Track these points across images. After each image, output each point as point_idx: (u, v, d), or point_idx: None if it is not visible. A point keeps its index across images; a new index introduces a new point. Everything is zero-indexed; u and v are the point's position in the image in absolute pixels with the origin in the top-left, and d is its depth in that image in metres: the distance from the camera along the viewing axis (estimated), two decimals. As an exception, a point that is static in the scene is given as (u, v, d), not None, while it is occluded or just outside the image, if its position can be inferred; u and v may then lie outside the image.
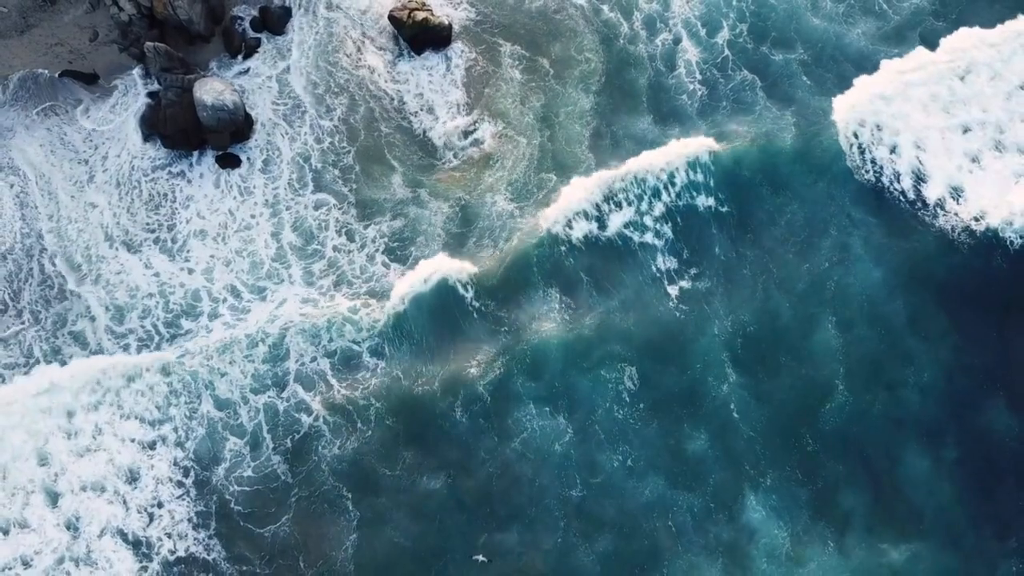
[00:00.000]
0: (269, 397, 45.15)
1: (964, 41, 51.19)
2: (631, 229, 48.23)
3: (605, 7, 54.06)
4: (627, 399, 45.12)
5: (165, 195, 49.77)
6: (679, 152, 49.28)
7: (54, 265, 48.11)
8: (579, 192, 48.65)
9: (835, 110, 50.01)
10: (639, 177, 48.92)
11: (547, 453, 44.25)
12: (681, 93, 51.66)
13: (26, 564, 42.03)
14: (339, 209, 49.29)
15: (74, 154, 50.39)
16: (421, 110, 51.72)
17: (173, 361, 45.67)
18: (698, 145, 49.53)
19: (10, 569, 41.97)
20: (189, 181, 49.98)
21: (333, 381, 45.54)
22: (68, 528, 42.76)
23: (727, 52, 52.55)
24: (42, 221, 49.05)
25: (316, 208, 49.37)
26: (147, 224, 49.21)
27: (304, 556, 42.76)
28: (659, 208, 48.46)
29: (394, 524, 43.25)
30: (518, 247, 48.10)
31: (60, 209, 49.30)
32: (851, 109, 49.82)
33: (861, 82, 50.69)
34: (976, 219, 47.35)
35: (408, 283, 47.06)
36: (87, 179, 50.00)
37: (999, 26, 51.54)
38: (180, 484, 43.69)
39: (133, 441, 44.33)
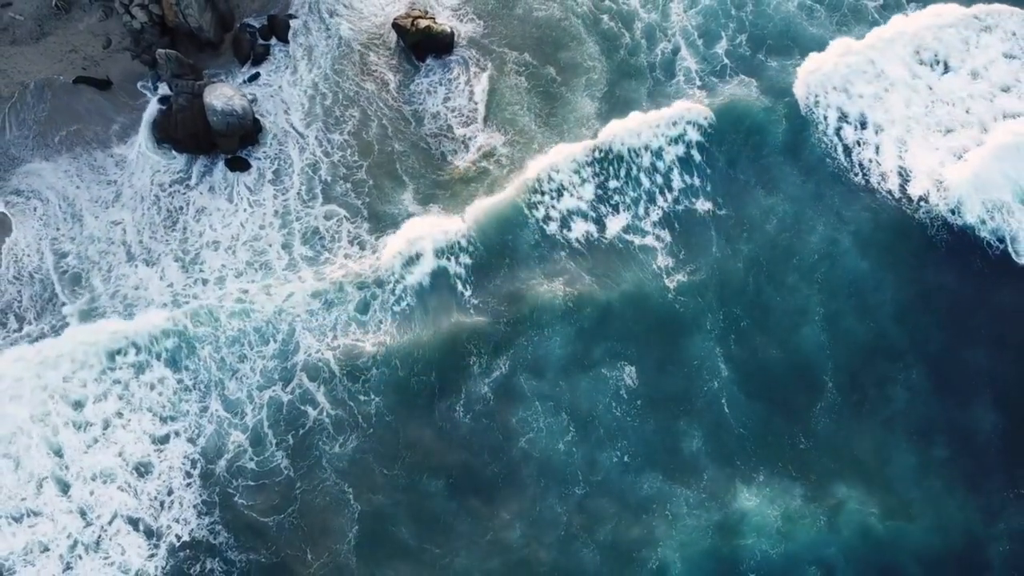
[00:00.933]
0: (274, 392, 45.86)
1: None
2: (630, 233, 49.29)
3: (606, 16, 55.11)
4: (625, 396, 45.94)
5: (181, 208, 50.32)
6: (649, 120, 51.17)
7: (76, 286, 48.54)
8: (551, 158, 50.60)
9: (820, 103, 51.75)
10: (614, 148, 50.69)
11: (549, 449, 44.85)
12: (680, 96, 52.69)
13: (45, 549, 42.94)
14: (351, 222, 49.85)
15: (103, 176, 50.86)
16: (431, 121, 52.49)
17: (175, 339, 46.64)
18: (665, 115, 51.48)
19: (31, 553, 42.90)
20: (201, 193, 50.66)
21: (336, 371, 46.16)
22: (80, 515, 43.55)
23: (726, 60, 53.62)
24: (64, 243, 49.51)
25: (327, 219, 49.90)
26: (165, 238, 49.70)
27: (311, 547, 43.32)
28: (653, 209, 49.66)
29: (396, 519, 43.80)
30: (492, 206, 49.73)
31: (84, 230, 49.71)
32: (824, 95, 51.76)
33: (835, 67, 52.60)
34: (952, 212, 48.56)
35: (396, 247, 48.32)
36: (113, 198, 50.48)
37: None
38: (188, 475, 44.38)
39: (143, 432, 45.07)
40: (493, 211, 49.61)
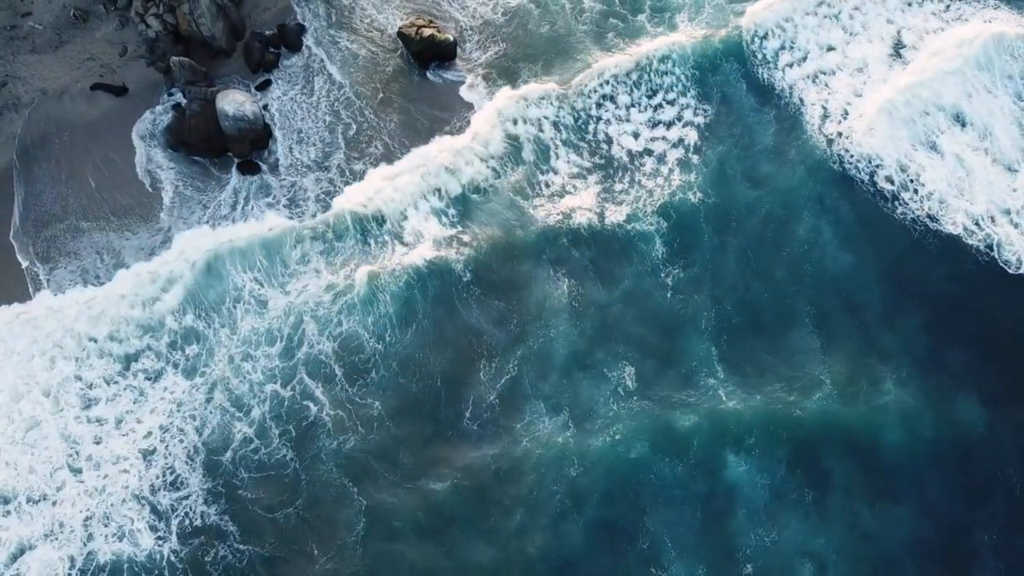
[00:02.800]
0: (276, 388, 46.73)
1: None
2: (630, 223, 50.59)
3: (611, 34, 56.45)
4: (621, 392, 46.89)
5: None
6: (618, 62, 54.09)
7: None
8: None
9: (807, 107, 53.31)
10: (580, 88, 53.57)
11: (548, 444, 45.57)
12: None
13: (63, 526, 44.12)
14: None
15: (155, 224, 51.42)
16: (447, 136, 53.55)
17: (195, 345, 47.76)
18: (631, 55, 54.29)
19: (52, 531, 44.09)
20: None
21: (338, 371, 47.01)
22: (94, 497, 44.70)
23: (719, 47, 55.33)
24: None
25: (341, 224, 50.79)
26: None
27: (316, 540, 44.05)
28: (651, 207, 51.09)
29: (399, 513, 44.49)
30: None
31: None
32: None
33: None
34: (931, 218, 49.76)
35: (351, 197, 50.32)
36: (160, 243, 50.86)
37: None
38: (193, 468, 45.38)
39: (152, 423, 46.23)
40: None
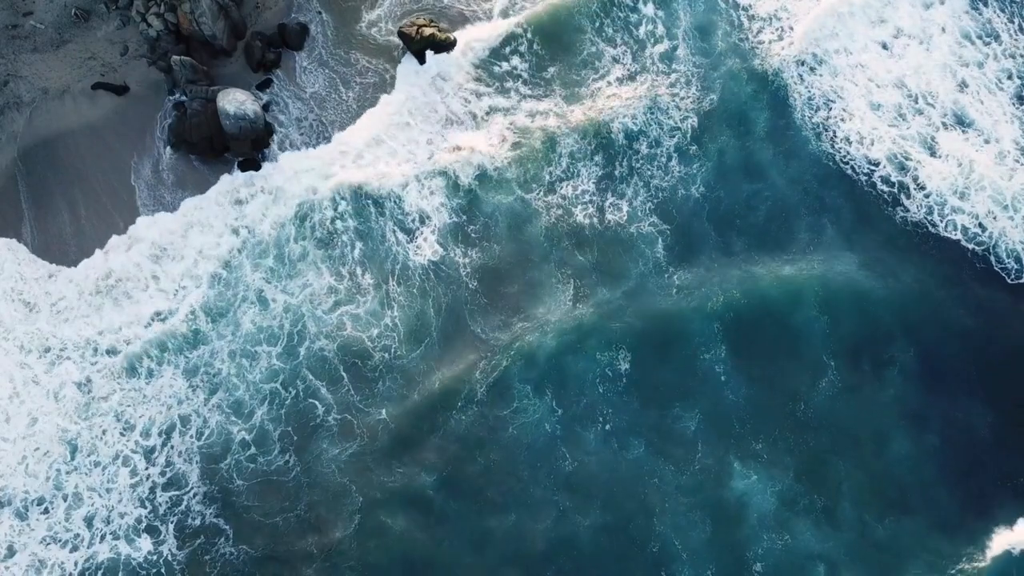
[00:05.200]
0: (277, 387, 47.38)
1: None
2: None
3: (609, 28, 56.65)
4: (622, 383, 47.45)
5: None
6: None
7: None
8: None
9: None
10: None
11: (544, 439, 46.26)
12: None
13: (64, 525, 45.07)
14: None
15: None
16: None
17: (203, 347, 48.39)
18: None
19: (67, 531, 45.06)
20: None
21: (343, 375, 47.66)
22: (96, 498, 45.38)
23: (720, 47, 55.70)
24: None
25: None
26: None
27: (314, 538, 44.87)
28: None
29: (397, 511, 45.26)
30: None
31: None
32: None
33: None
34: (929, 221, 50.05)
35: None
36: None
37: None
38: (193, 467, 45.92)
39: (151, 422, 46.86)
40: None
